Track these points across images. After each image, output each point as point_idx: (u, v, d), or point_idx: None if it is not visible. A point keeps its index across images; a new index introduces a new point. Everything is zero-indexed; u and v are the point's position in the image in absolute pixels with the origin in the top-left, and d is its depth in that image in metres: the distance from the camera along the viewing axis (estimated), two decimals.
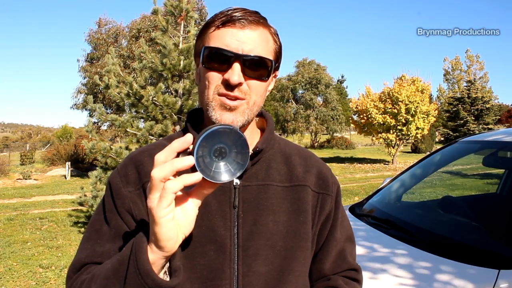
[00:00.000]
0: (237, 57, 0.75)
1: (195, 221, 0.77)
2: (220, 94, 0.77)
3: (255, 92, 0.79)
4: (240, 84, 0.76)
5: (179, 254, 0.67)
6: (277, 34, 0.83)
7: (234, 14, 0.76)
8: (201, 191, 0.62)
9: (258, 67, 0.78)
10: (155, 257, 0.64)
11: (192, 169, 0.58)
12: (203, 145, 0.58)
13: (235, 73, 0.75)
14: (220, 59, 0.76)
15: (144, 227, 0.67)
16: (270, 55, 0.80)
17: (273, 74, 0.85)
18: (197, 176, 0.58)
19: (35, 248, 5.49)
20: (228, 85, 0.76)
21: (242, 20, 0.76)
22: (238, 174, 0.60)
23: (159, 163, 0.59)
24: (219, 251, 0.79)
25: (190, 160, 0.57)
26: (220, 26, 0.76)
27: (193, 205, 0.63)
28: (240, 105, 0.78)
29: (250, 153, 0.83)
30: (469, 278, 1.52)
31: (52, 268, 4.67)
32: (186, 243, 0.77)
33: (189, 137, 0.59)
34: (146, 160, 0.84)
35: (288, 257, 0.82)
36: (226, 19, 0.76)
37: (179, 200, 0.62)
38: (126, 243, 0.74)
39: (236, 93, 0.76)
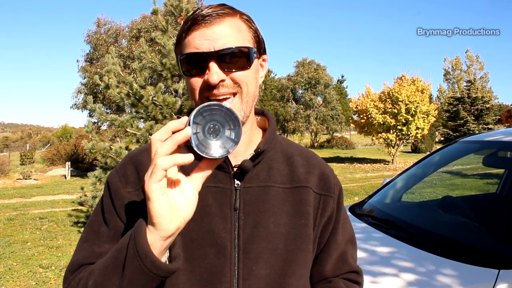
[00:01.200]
0: (211, 56, 0.74)
1: (196, 222, 0.77)
2: (207, 97, 0.76)
3: (243, 83, 0.77)
4: (222, 81, 0.75)
5: (179, 243, 0.68)
6: (250, 19, 0.81)
7: (200, 14, 0.75)
8: (199, 172, 0.63)
9: (236, 58, 0.76)
10: (153, 238, 0.63)
11: (190, 150, 0.61)
12: (196, 122, 0.60)
13: (213, 72, 0.74)
14: (196, 63, 0.76)
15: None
16: (246, 43, 0.77)
17: (260, 59, 0.84)
18: (188, 157, 0.59)
19: (35, 248, 5.49)
20: (211, 86, 0.75)
21: (206, 18, 0.74)
22: (232, 151, 0.61)
23: (155, 141, 0.61)
24: (220, 253, 0.78)
25: (188, 130, 0.59)
26: (188, 31, 0.76)
27: (192, 188, 0.64)
28: (232, 105, 0.76)
29: (252, 154, 0.83)
30: (469, 278, 1.52)
31: (52, 268, 4.67)
32: (186, 245, 0.76)
33: (185, 119, 0.61)
34: (145, 160, 0.83)
35: (289, 259, 0.81)
36: (192, 23, 0.75)
37: (177, 181, 0.63)
38: None
39: (222, 90, 0.75)
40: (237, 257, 0.78)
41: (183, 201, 0.63)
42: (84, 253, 0.79)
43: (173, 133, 0.61)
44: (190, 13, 0.79)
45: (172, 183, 0.63)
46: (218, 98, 0.75)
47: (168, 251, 0.67)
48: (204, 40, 0.74)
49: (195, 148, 0.60)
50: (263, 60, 0.85)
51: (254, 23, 0.82)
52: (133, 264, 0.63)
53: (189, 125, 0.60)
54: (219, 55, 0.74)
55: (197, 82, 0.77)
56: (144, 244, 0.63)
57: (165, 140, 0.60)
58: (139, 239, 0.63)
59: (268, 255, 0.80)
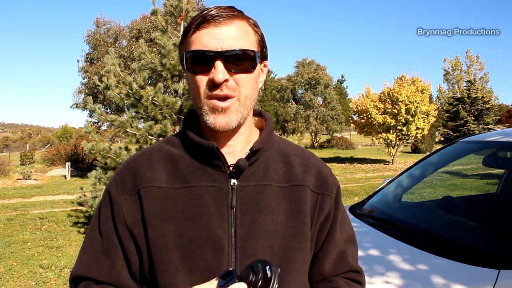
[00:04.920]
0: (218, 55, 0.75)
1: (193, 222, 0.78)
2: (209, 97, 0.77)
3: (244, 86, 0.79)
4: (226, 81, 0.76)
5: None
6: (257, 25, 0.83)
7: (208, 13, 0.77)
8: None
9: (241, 61, 0.77)
10: None
11: None
12: None
13: (218, 71, 0.75)
14: (202, 61, 0.77)
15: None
16: (251, 46, 0.79)
17: (262, 64, 0.86)
18: None
19: (35, 248, 5.48)
20: (215, 85, 0.76)
21: (216, 18, 0.76)
22: None
23: None
24: (217, 252, 0.78)
25: None
26: (196, 29, 0.77)
27: None
28: (231, 105, 0.78)
29: (247, 153, 0.84)
30: (469, 278, 1.52)
31: (52, 268, 4.67)
32: (184, 245, 0.77)
33: None
34: (142, 165, 0.84)
35: (286, 257, 0.82)
36: (201, 21, 0.77)
37: None
38: (119, 257, 0.78)
39: (225, 91, 0.77)
40: (234, 255, 0.79)
41: None
42: (82, 265, 0.83)
43: None
44: (198, 12, 0.81)
45: None
46: (220, 98, 0.77)
47: None
48: (212, 39, 0.76)
49: None
50: (264, 65, 0.87)
51: (260, 29, 0.84)
52: None
53: None
54: (226, 55, 0.75)
55: (201, 80, 0.78)
56: None
57: None
58: None
59: (265, 253, 0.80)
